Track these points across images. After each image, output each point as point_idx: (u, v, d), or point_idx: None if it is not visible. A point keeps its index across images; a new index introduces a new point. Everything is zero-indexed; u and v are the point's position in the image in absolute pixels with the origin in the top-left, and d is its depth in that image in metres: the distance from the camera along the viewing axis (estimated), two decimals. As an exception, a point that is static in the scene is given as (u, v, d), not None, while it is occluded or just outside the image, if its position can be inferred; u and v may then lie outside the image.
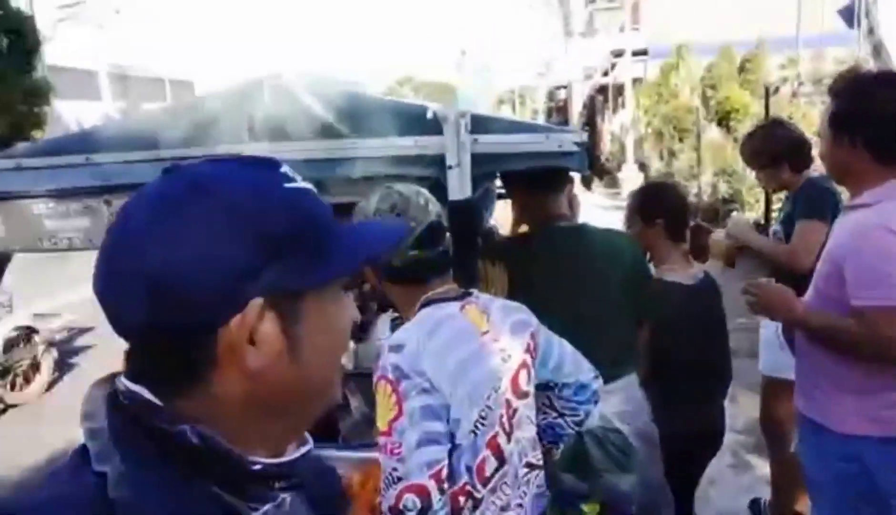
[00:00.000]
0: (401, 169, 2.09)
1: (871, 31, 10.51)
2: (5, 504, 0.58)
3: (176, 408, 0.62)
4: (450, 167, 2.09)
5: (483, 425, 1.39)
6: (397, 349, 1.35)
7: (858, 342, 1.80)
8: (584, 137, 2.19)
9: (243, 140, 2.09)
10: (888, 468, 1.82)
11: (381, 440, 1.31)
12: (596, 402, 1.72)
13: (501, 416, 1.44)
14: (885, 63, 10.44)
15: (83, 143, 2.19)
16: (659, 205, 2.51)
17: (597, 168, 2.97)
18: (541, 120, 32.42)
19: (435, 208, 1.49)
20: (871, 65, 10.48)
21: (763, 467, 3.75)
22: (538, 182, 2.24)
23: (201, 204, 0.61)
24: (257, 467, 0.64)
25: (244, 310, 0.61)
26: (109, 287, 0.62)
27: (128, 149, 2.11)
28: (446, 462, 1.31)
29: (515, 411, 1.48)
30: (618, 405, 2.09)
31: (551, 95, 38.53)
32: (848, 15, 12.27)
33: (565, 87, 33.73)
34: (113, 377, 0.65)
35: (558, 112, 35.98)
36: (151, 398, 0.62)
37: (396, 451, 1.29)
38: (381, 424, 1.32)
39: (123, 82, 26.94)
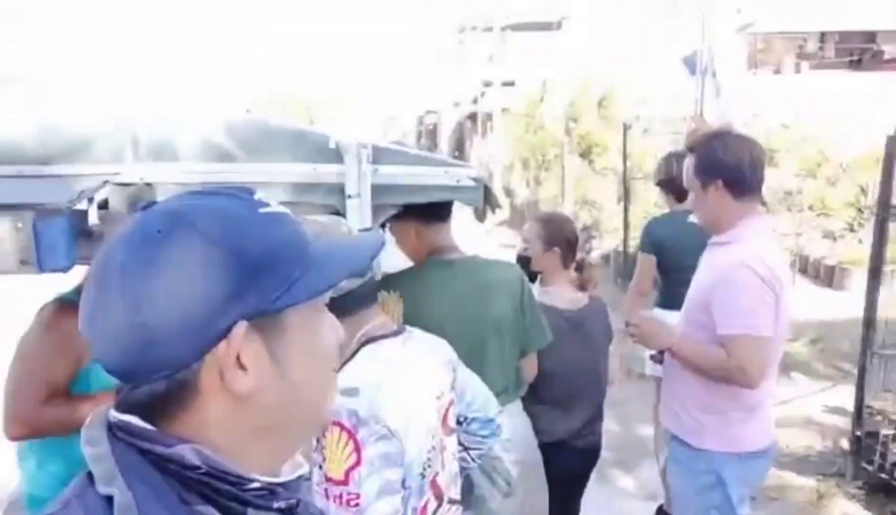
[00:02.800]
0: (299, 196, 2.04)
1: (713, 74, 11.68)
2: None
3: (170, 433, 0.63)
4: (349, 197, 2.06)
5: (429, 466, 1.38)
6: (351, 392, 1.29)
7: (718, 366, 2.04)
8: (481, 172, 2.25)
9: (125, 160, 1.94)
10: (739, 481, 2.12)
11: (335, 489, 1.24)
12: (498, 436, 1.76)
13: (440, 454, 1.44)
14: (723, 104, 11.61)
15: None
16: (558, 234, 2.67)
17: (491, 202, 3.06)
18: (410, 143, 32.84)
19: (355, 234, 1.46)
20: (710, 105, 11.62)
21: (624, 481, 4.01)
22: (426, 214, 2.23)
23: (180, 238, 0.62)
24: (255, 485, 0.65)
25: (229, 335, 0.62)
26: (95, 328, 0.63)
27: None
28: (401, 512, 1.28)
29: (445, 448, 1.48)
30: (504, 432, 2.16)
31: (421, 120, 39.19)
32: (690, 63, 13.55)
33: (434, 112, 34.44)
34: (108, 409, 0.67)
35: (427, 136, 36.63)
36: (144, 425, 0.63)
37: (354, 502, 1.23)
38: (336, 472, 1.25)
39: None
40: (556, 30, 24.27)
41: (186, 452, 0.62)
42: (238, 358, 0.63)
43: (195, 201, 0.66)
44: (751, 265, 1.99)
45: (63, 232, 1.61)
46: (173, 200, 0.67)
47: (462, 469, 1.75)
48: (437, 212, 2.23)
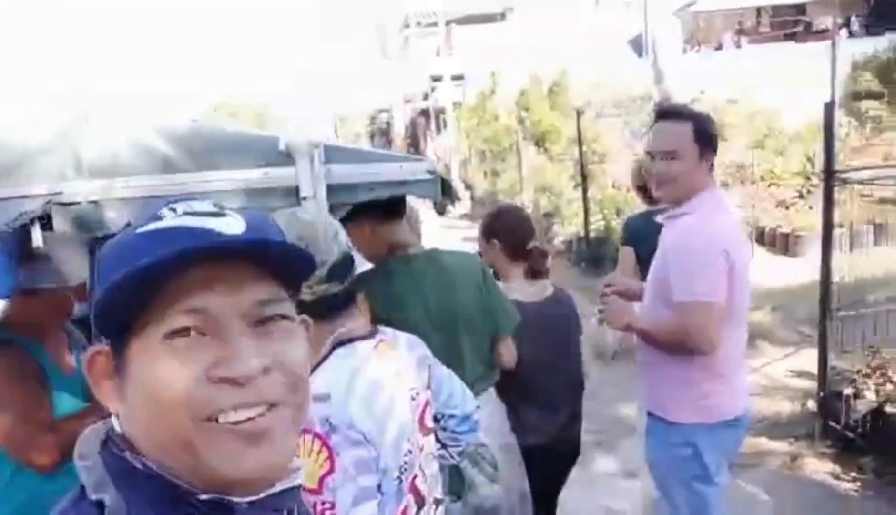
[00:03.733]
0: (253, 202, 1.98)
1: (654, 59, 11.88)
2: None
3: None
4: (304, 198, 2.02)
5: (406, 469, 1.34)
6: (322, 398, 1.24)
7: (671, 335, 2.10)
8: (437, 166, 2.22)
9: (67, 177, 1.86)
10: (713, 450, 2.18)
11: (311, 498, 1.19)
12: (476, 432, 1.73)
13: (417, 456, 1.40)
14: (666, 88, 11.84)
15: None
16: (494, 226, 2.59)
17: (451, 194, 3.02)
18: (364, 143, 32.64)
19: (344, 236, 1.40)
20: (656, 89, 11.82)
21: (604, 461, 4.04)
22: (379, 212, 2.17)
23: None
24: (204, 497, 0.63)
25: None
26: None
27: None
28: None
29: (422, 448, 1.44)
30: (483, 420, 2.15)
31: (373, 119, 38.99)
32: (637, 45, 13.79)
33: (387, 110, 34.31)
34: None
35: (381, 135, 36.46)
36: (116, 429, 0.66)
37: (329, 511, 1.19)
38: (310, 481, 1.19)
39: None
40: (501, 21, 24.37)
41: (132, 459, 0.63)
42: (99, 375, 0.66)
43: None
44: (705, 234, 2.05)
45: (3, 256, 1.54)
46: None
47: (443, 465, 1.73)
48: (390, 209, 2.18)
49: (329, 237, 1.35)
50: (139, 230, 0.65)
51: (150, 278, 0.59)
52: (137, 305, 0.61)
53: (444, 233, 11.89)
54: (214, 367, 0.61)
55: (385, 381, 1.35)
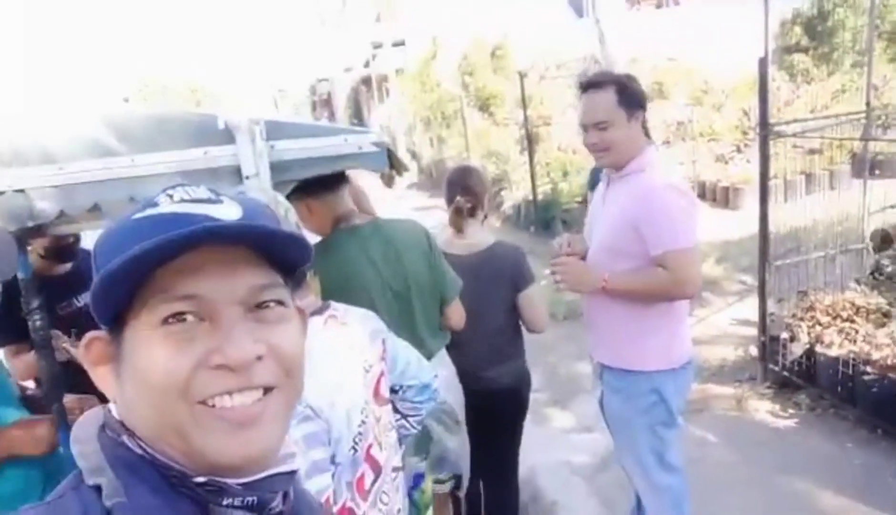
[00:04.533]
0: (194, 183, 1.92)
1: (596, 21, 11.90)
2: None
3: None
4: (247, 178, 1.97)
5: (360, 439, 1.36)
6: None
7: (659, 285, 2.15)
8: (383, 137, 2.19)
9: (-9, 167, 1.77)
10: (678, 393, 2.28)
11: None
12: (435, 400, 1.76)
13: (373, 427, 1.42)
14: (607, 49, 11.89)
15: None
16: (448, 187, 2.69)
17: (397, 165, 2.95)
18: (306, 114, 31.93)
19: (294, 216, 1.40)
20: (598, 50, 11.88)
21: (561, 418, 4.15)
22: (312, 188, 2.15)
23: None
24: (200, 479, 0.64)
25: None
26: None
27: None
28: (332, 486, 1.26)
29: (380, 418, 1.46)
30: (442, 380, 2.20)
31: (314, 89, 38.13)
32: (577, 5, 13.79)
33: (326, 80, 33.57)
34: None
35: (322, 105, 35.73)
36: (112, 414, 0.67)
37: None
38: None
39: None
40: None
41: (128, 442, 0.64)
42: (95, 361, 0.67)
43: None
44: (672, 185, 2.16)
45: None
46: None
47: (404, 435, 1.75)
48: (328, 182, 2.16)
49: (279, 217, 1.33)
50: (136, 216, 0.65)
51: (146, 265, 0.60)
52: (134, 291, 0.62)
53: (392, 204, 11.80)
54: (210, 353, 0.62)
55: (335, 355, 1.36)
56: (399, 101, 18.40)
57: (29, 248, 2.42)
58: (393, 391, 1.66)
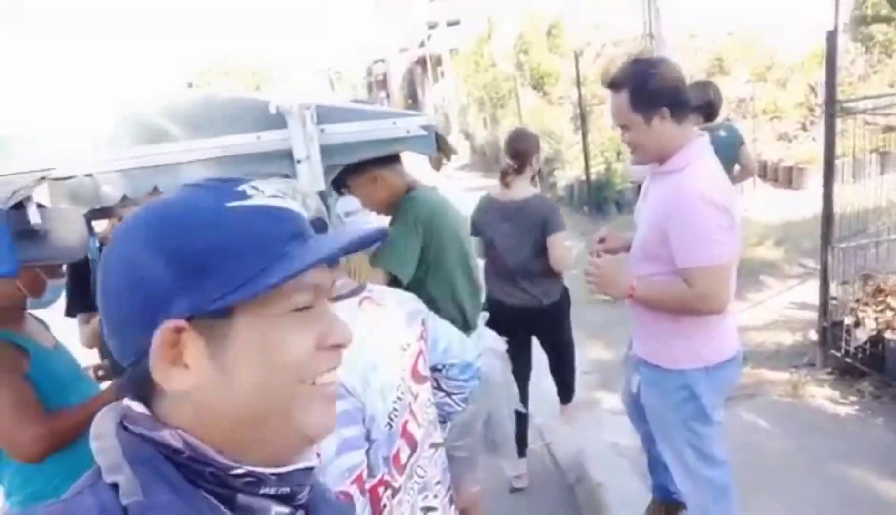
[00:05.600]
0: (247, 168, 2.00)
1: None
2: None
3: (159, 417, 0.66)
4: (298, 161, 2.03)
5: (396, 415, 1.40)
6: None
7: (682, 301, 2.09)
8: (432, 121, 2.22)
9: (61, 153, 1.88)
10: (713, 391, 2.24)
11: None
12: (479, 378, 1.80)
13: (410, 403, 1.46)
14: (662, 26, 11.56)
15: None
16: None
17: (445, 149, 2.97)
18: (361, 95, 32.14)
19: (315, 203, 1.42)
20: (654, 27, 11.54)
21: (610, 401, 4.13)
22: (384, 159, 2.29)
23: (130, 231, 0.65)
24: (239, 471, 0.65)
25: (157, 332, 0.62)
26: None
27: None
28: (365, 463, 1.31)
29: (417, 396, 1.51)
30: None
31: (370, 70, 38.33)
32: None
33: (382, 60, 33.69)
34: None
35: (378, 86, 35.90)
36: (140, 409, 0.66)
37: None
38: None
39: None
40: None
41: (168, 436, 0.63)
42: (175, 356, 0.63)
43: (175, 194, 0.68)
44: (704, 195, 1.98)
45: (2, 235, 1.56)
46: (156, 200, 0.68)
47: (449, 413, 1.82)
48: (392, 154, 2.30)
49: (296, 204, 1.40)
50: (231, 205, 0.65)
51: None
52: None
53: (444, 184, 11.81)
54: (324, 336, 0.70)
55: (369, 336, 1.40)
56: (453, 81, 18.33)
57: (97, 230, 2.56)
58: (436, 369, 1.71)
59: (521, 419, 3.42)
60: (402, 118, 2.18)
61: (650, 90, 2.06)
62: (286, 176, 1.98)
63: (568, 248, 3.38)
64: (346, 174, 2.32)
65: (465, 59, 16.86)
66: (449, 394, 1.78)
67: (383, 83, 34.77)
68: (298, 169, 2.03)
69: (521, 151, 3.29)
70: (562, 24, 13.42)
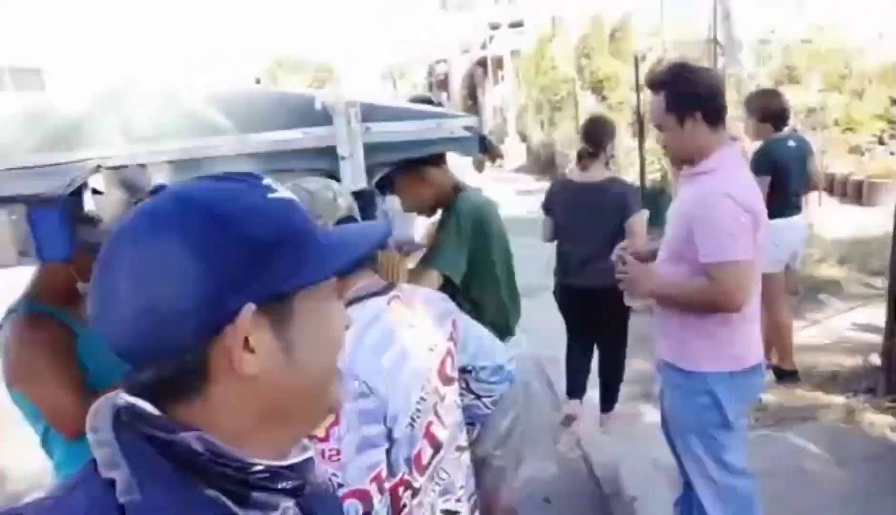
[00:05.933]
0: (291, 163, 2.03)
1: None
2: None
3: (176, 417, 0.64)
4: (342, 158, 2.05)
5: (419, 416, 1.40)
6: None
7: (701, 297, 2.12)
8: (475, 121, 2.21)
9: (115, 143, 1.95)
10: (736, 398, 2.22)
11: (319, 446, 1.28)
12: (511, 381, 1.78)
13: (435, 404, 1.46)
14: (732, 30, 11.22)
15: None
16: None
17: (490, 150, 2.95)
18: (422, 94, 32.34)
19: (346, 201, 1.45)
20: (722, 30, 11.21)
21: (652, 414, 4.03)
22: (434, 158, 2.31)
23: (187, 222, 0.63)
24: (259, 468, 0.65)
25: (236, 318, 0.62)
26: (104, 311, 0.64)
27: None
28: (385, 462, 1.31)
29: (444, 397, 1.50)
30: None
31: (431, 70, 38.55)
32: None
33: (444, 61, 33.82)
34: (117, 391, 0.67)
35: (439, 87, 36.06)
36: (151, 410, 0.64)
37: (335, 458, 1.27)
38: (319, 430, 1.29)
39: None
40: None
41: (189, 439, 0.63)
42: (246, 341, 0.63)
43: (203, 186, 0.67)
44: (728, 193, 2.05)
45: (59, 221, 1.63)
46: (181, 184, 0.68)
47: (478, 416, 1.80)
48: (440, 154, 2.32)
49: (328, 202, 1.41)
50: (271, 196, 0.68)
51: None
52: None
53: (497, 186, 11.75)
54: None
55: (396, 334, 1.40)
56: (512, 83, 18.24)
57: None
58: (466, 371, 1.70)
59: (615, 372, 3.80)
60: (447, 119, 2.18)
61: (686, 93, 2.13)
62: (329, 174, 2.00)
63: (645, 231, 3.48)
64: (393, 173, 2.34)
65: (525, 61, 16.76)
66: (478, 397, 1.76)
67: (444, 84, 34.91)
68: (341, 166, 2.04)
69: (595, 135, 3.48)
70: (627, 27, 13.19)
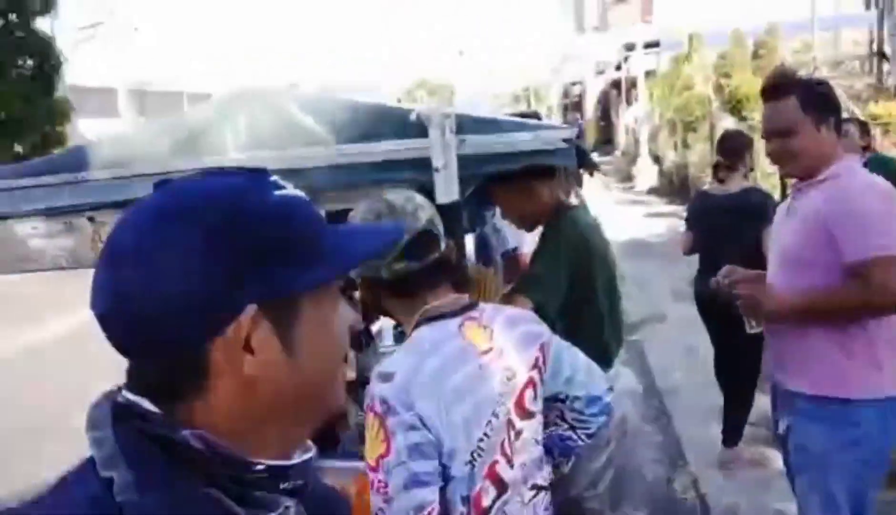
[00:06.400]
0: (387, 174, 2.06)
1: (891, 9, 10.25)
2: (15, 513, 0.60)
3: (177, 416, 0.63)
4: (436, 170, 2.05)
5: (481, 454, 1.31)
6: (387, 377, 1.26)
7: (856, 298, 1.93)
8: (573, 133, 2.14)
9: (226, 152, 2.08)
10: (888, 429, 1.97)
11: (370, 475, 1.25)
12: (609, 414, 1.64)
13: (503, 442, 1.36)
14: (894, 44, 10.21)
15: (70, 162, 2.19)
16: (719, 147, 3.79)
17: (587, 165, 2.83)
18: (556, 116, 32.25)
19: (426, 214, 1.38)
20: (892, 45, 10.28)
21: (777, 460, 3.68)
22: (545, 170, 2.21)
23: (189, 218, 0.62)
24: (260, 467, 0.64)
25: (238, 318, 0.61)
26: (101, 306, 0.63)
27: (114, 166, 2.11)
28: (436, 503, 1.23)
29: (520, 433, 1.39)
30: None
31: (566, 92, 38.29)
32: (864, -3, 12.02)
33: (580, 82, 33.51)
34: (117, 389, 0.66)
35: (573, 108, 35.75)
36: (152, 408, 0.63)
37: (383, 490, 1.22)
38: (370, 458, 1.24)
39: (142, 98, 27.40)
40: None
41: (190, 438, 0.62)
42: (247, 341, 0.62)
43: (208, 182, 0.66)
44: (873, 186, 1.97)
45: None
46: (185, 180, 0.67)
47: (571, 448, 1.64)
48: (550, 168, 2.21)
49: (408, 214, 1.35)
50: (282, 194, 0.67)
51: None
52: None
53: (625, 208, 11.35)
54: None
55: (462, 361, 1.32)
56: (646, 103, 17.70)
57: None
58: (559, 400, 1.58)
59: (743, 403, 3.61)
60: (544, 131, 2.13)
61: (823, 95, 2.07)
62: (422, 186, 2.00)
63: None
64: (494, 181, 2.29)
65: (660, 82, 16.20)
66: (573, 428, 1.61)
67: (578, 105, 34.57)
68: (435, 177, 2.05)
69: (730, 149, 3.60)
70: (770, 44, 12.40)
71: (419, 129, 2.06)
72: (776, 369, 2.18)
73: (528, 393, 1.42)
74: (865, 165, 3.39)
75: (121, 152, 2.14)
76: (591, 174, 2.35)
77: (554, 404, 1.57)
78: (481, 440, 1.30)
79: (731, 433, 3.67)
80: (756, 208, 3.33)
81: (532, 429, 1.43)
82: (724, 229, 3.42)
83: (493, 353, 1.37)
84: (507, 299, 2.18)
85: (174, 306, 0.60)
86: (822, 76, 10.59)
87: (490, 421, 1.32)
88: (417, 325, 1.38)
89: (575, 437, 1.62)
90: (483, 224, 3.62)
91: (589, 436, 1.64)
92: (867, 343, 1.96)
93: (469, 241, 3.44)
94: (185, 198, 0.64)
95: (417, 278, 1.36)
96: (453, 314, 1.37)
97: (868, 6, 12.62)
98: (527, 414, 1.41)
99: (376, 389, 1.27)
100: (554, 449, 1.60)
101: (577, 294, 2.18)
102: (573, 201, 2.46)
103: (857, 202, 1.94)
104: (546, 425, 1.54)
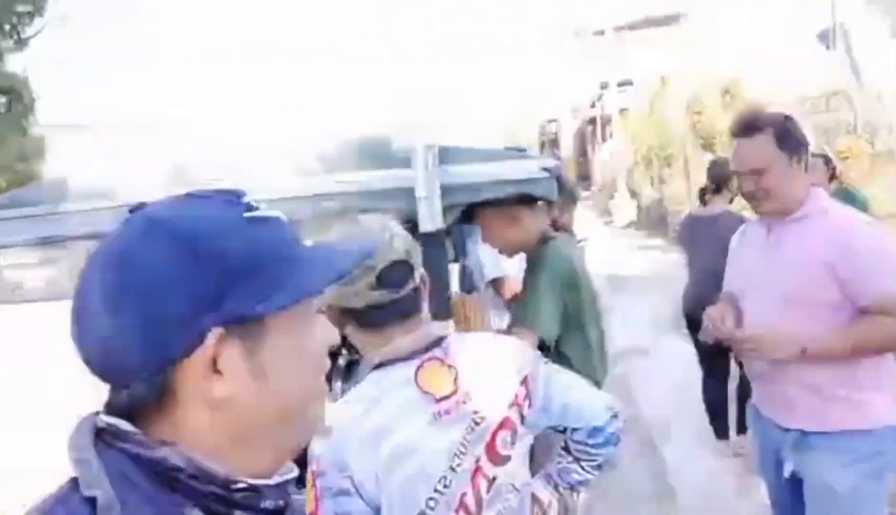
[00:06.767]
0: (371, 203, 2.10)
1: (847, 51, 10.67)
2: None
3: (155, 436, 0.64)
4: (419, 199, 2.11)
5: (432, 512, 1.23)
6: (325, 432, 1.19)
7: (881, 334, 1.93)
8: (553, 163, 2.21)
9: (211, 182, 2.12)
10: None
11: None
12: (615, 444, 1.53)
13: (464, 495, 1.26)
14: (862, 83, 10.60)
15: (45, 194, 2.21)
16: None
17: (568, 192, 2.95)
18: (533, 153, 32.78)
19: (403, 245, 1.32)
20: (852, 85, 10.65)
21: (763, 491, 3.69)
22: (529, 199, 2.24)
23: (154, 242, 0.62)
24: (241, 485, 0.65)
25: (204, 341, 0.61)
26: (78, 329, 0.64)
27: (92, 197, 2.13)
28: None
29: (493, 480, 1.30)
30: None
31: (542, 129, 38.93)
32: (825, 38, 12.49)
33: (555, 120, 34.14)
34: (96, 412, 0.67)
35: (550, 145, 36.33)
36: (131, 429, 0.64)
37: None
38: (308, 510, 1.17)
39: (117, 133, 27.37)
40: (674, 24, 23.30)
41: (170, 455, 0.62)
42: (215, 364, 0.63)
43: (178, 205, 0.67)
44: (870, 226, 2.06)
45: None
46: (159, 203, 0.67)
47: (576, 481, 1.56)
48: (532, 197, 2.23)
49: (383, 243, 1.29)
50: (247, 215, 0.67)
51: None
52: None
53: (610, 242, 11.48)
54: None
55: (410, 412, 1.24)
56: (621, 140, 18.08)
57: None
58: (559, 431, 1.51)
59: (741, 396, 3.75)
60: (524, 160, 2.20)
61: (796, 132, 2.09)
62: (407, 214, 2.05)
63: None
64: (479, 207, 2.31)
65: (634, 119, 16.59)
66: (577, 460, 1.52)
67: (554, 142, 35.13)
68: (419, 207, 2.10)
69: (716, 175, 3.89)
70: (739, 83, 12.78)
71: (403, 159, 2.13)
72: (774, 412, 2.14)
73: (502, 436, 1.32)
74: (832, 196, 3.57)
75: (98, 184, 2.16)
76: (574, 203, 2.42)
77: (557, 434, 1.51)
78: (431, 498, 1.23)
79: (744, 421, 3.91)
80: (729, 231, 3.42)
81: (509, 475, 1.33)
82: (703, 250, 3.68)
83: (456, 397, 1.28)
84: (510, 334, 2.16)
85: (138, 332, 0.61)
86: (788, 113, 10.91)
87: (444, 477, 1.24)
88: (373, 369, 1.32)
89: (579, 469, 1.54)
90: (465, 256, 3.67)
91: (595, 468, 1.55)
92: (874, 372, 1.98)
93: (454, 270, 3.47)
94: (152, 222, 0.64)
95: (384, 310, 1.29)
96: (411, 357, 1.29)
97: (829, 47, 13.12)
98: (501, 460, 1.32)
99: (314, 442, 1.20)
100: (560, 481, 1.54)
101: (567, 323, 2.19)
102: (566, 220, 2.53)
103: (867, 242, 1.96)
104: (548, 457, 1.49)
